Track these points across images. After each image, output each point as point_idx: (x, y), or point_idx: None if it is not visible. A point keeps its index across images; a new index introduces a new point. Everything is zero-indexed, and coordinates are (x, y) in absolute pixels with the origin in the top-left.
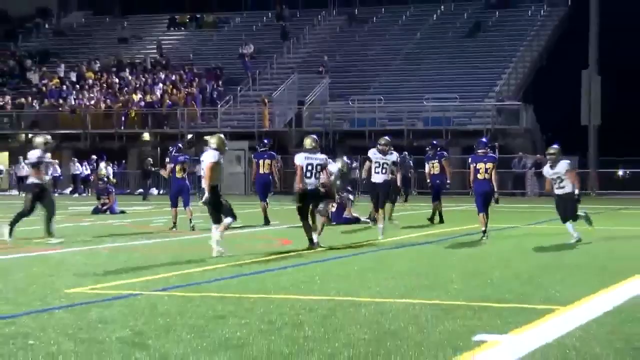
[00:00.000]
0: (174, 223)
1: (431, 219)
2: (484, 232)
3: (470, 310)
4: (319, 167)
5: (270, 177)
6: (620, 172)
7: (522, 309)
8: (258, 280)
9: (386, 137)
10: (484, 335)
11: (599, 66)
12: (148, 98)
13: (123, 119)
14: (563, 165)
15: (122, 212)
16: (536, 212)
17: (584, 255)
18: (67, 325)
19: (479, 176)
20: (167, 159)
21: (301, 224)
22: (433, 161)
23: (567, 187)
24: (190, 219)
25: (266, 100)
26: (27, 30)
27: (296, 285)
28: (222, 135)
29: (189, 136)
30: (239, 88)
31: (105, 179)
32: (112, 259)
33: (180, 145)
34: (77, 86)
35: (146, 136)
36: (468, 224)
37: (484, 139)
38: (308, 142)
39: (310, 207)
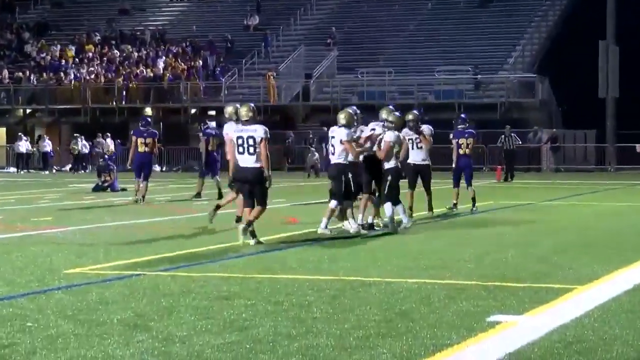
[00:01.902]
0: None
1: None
2: (455, 205)
3: (484, 290)
4: (250, 141)
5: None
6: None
7: (539, 288)
8: (264, 260)
9: (353, 107)
10: (499, 315)
11: (616, 36)
12: (150, 72)
13: (124, 93)
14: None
15: (124, 189)
16: (552, 188)
17: (602, 232)
18: (66, 307)
19: (461, 151)
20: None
21: (305, 202)
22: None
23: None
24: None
25: (270, 75)
26: (24, 2)
27: (303, 264)
28: (350, 110)
29: (193, 111)
30: (243, 61)
31: (107, 157)
32: (113, 238)
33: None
34: (77, 59)
35: (148, 111)
36: (480, 201)
37: (463, 115)
38: (243, 111)
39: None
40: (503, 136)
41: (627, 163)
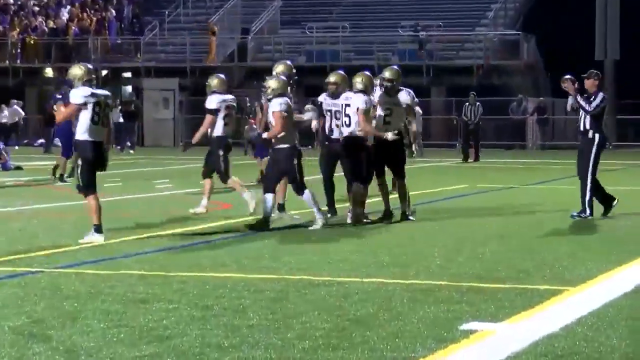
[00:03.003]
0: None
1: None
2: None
3: (456, 292)
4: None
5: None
6: None
7: (522, 290)
8: (189, 255)
9: (340, 72)
10: (474, 323)
11: None
12: (51, 24)
13: (19, 50)
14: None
15: (18, 168)
16: (539, 169)
17: (597, 224)
18: None
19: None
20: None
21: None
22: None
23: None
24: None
25: (216, 29)
26: None
27: (238, 260)
28: (368, 73)
29: (104, 72)
30: (166, 12)
31: None
32: (3, 228)
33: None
34: None
35: (48, 72)
36: (452, 184)
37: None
38: (81, 72)
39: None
40: (467, 104)
41: (630, 139)
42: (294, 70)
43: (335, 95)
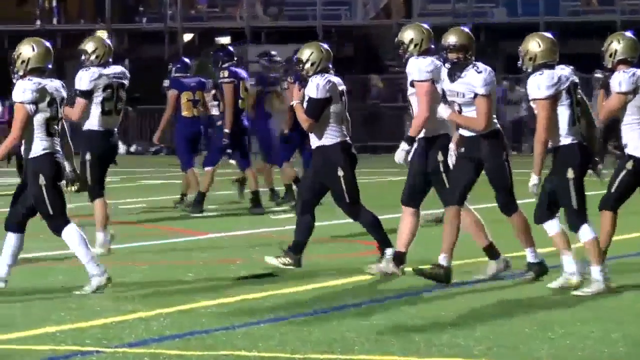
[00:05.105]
0: None
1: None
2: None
3: None
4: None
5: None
6: None
7: None
8: (272, 333)
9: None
10: None
11: None
12: None
13: (56, 4)
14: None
15: None
16: None
17: None
18: None
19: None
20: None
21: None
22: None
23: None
24: None
25: None
26: None
27: (345, 339)
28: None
29: (187, 37)
30: None
31: None
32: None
33: None
34: None
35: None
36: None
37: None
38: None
39: None
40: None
41: None
42: None
43: None
